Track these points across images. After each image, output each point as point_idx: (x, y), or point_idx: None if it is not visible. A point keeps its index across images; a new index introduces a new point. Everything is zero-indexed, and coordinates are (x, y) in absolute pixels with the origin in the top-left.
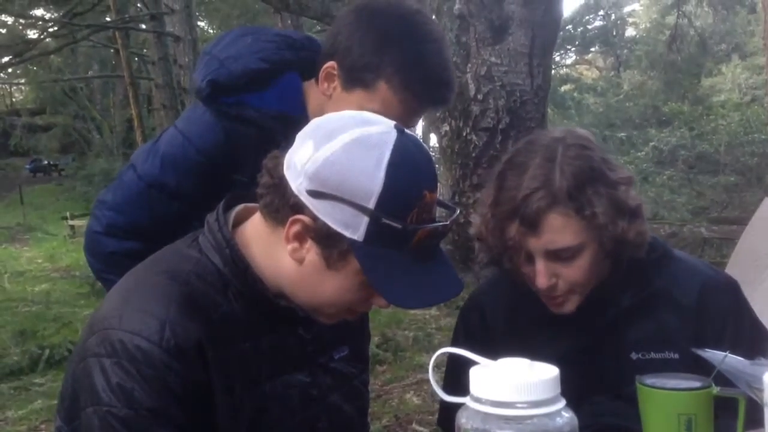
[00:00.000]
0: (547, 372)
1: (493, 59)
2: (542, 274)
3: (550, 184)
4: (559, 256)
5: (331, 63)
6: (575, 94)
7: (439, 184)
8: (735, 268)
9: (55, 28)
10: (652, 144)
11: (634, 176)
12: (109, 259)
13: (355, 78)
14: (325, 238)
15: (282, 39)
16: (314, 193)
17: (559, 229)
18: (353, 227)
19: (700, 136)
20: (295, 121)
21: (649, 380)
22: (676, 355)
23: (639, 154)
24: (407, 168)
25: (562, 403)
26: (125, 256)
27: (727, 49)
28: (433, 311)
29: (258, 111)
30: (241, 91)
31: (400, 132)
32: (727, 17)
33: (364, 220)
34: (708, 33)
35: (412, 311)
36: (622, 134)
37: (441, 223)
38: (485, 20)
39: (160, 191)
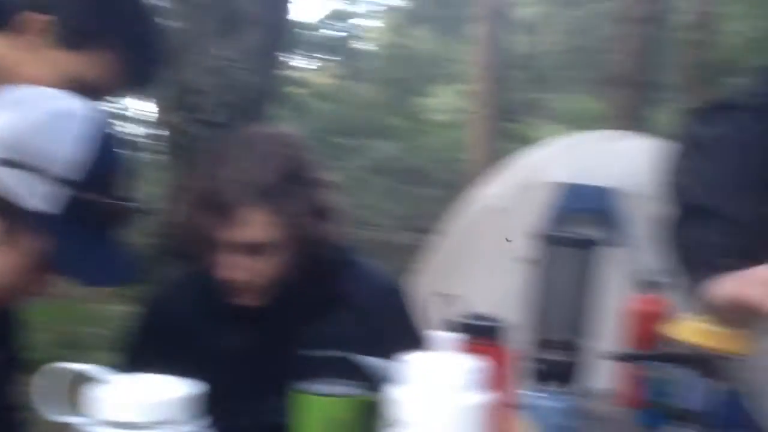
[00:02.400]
0: (178, 390)
1: (221, 53)
2: (231, 266)
3: (249, 178)
4: (249, 250)
5: (42, 17)
6: (305, 99)
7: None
8: (433, 273)
9: None
10: (368, 154)
11: (335, 181)
12: None
13: (74, 40)
14: (3, 208)
15: None
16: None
17: (253, 223)
18: (36, 198)
19: (412, 150)
20: None
21: (305, 385)
22: (346, 356)
23: (355, 162)
24: (95, 143)
25: (196, 425)
26: None
27: (443, 73)
28: (124, 307)
29: None
30: None
31: (91, 109)
32: (447, 44)
33: (48, 191)
34: (429, 56)
35: (103, 307)
36: (343, 141)
37: (128, 204)
38: (214, 14)
39: None
